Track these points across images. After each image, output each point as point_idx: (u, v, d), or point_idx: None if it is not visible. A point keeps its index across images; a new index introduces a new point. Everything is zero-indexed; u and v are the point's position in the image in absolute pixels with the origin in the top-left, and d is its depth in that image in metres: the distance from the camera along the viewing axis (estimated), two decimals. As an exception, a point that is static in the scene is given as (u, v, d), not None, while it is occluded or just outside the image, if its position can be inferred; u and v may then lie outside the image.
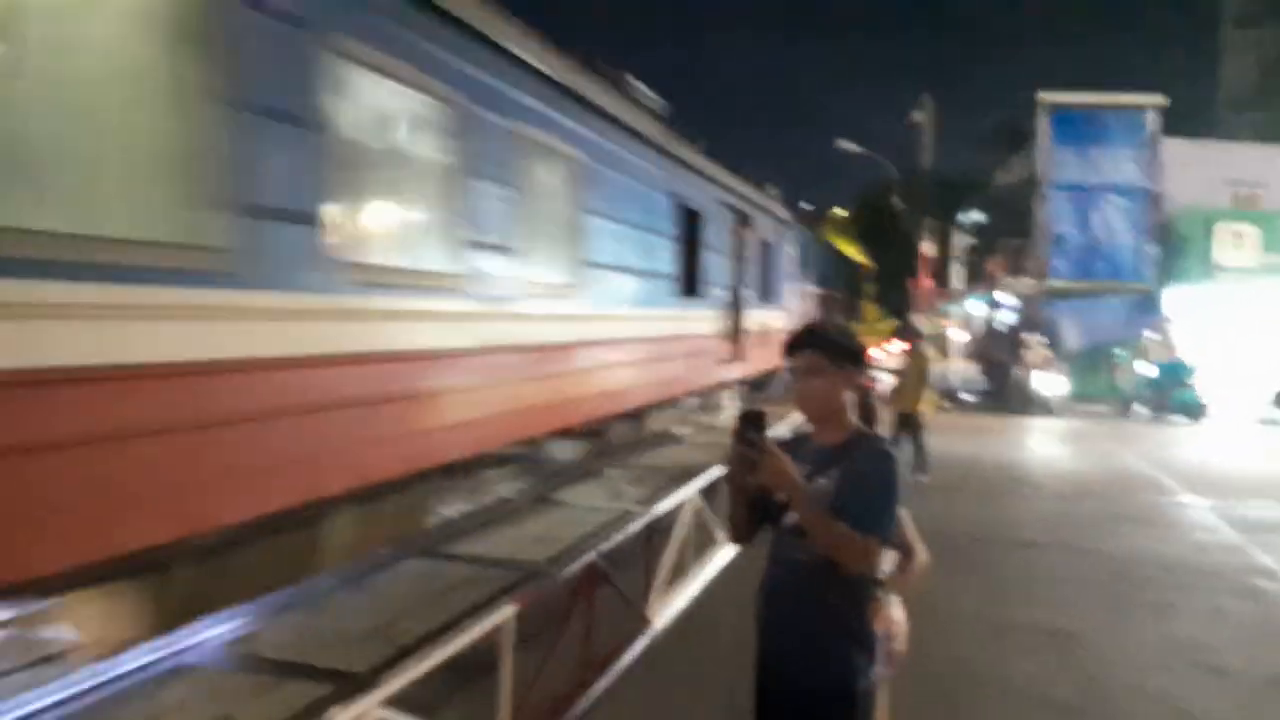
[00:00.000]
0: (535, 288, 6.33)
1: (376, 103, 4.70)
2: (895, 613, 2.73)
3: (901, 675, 2.78)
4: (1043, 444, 15.00)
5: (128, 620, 3.61)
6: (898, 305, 37.18)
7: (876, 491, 2.38)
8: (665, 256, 9.50)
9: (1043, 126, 22.77)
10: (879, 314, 31.47)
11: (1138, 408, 19.25)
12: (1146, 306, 21.62)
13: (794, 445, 2.54)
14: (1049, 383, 19.58)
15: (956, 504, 9.66)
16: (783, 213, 16.58)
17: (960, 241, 24.72)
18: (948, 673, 4.93)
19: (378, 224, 4.81)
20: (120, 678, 4.82)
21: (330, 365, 4.14)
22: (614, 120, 7.88)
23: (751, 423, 2.33)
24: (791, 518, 2.42)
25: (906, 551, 2.76)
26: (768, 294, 15.00)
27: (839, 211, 33.59)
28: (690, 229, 10.45)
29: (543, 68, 6.30)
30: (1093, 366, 21.71)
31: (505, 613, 3.62)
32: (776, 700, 2.54)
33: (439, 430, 5.07)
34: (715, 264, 11.53)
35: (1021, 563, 7.47)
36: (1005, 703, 4.74)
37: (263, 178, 3.78)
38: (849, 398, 2.54)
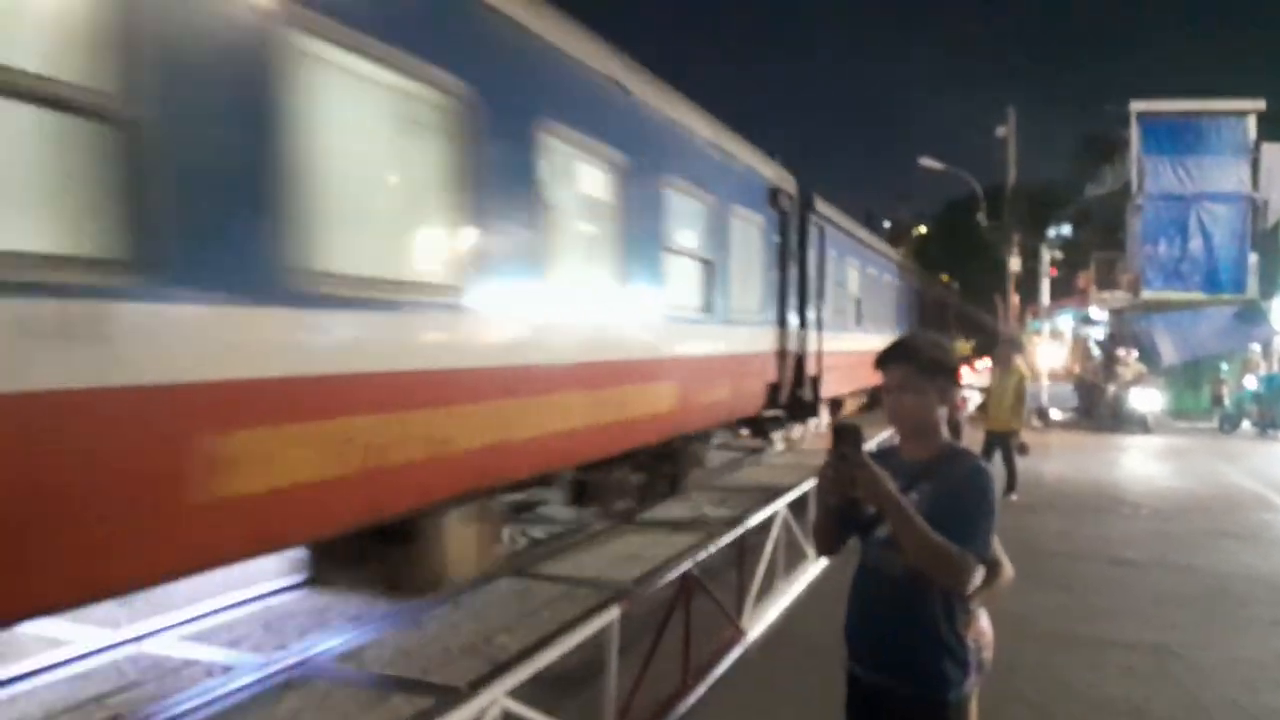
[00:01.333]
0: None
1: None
2: (984, 624, 2.78)
3: (997, 691, 2.85)
4: (1139, 461, 14.52)
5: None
6: (982, 322, 36.44)
7: (973, 507, 2.35)
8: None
9: (1135, 136, 22.19)
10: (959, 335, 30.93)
11: (1245, 423, 18.45)
12: (1251, 318, 20.74)
13: (881, 459, 2.48)
14: (1144, 399, 18.93)
15: (1050, 522, 9.46)
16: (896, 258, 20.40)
17: (1048, 256, 24.10)
18: (1044, 689, 4.89)
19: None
20: (236, 691, 5.13)
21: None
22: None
23: (847, 436, 2.33)
24: (883, 531, 2.42)
25: (992, 566, 2.79)
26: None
27: (920, 229, 33.11)
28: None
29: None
30: (1192, 382, 20.92)
31: (611, 615, 3.76)
32: (869, 713, 2.56)
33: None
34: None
35: (1119, 580, 7.29)
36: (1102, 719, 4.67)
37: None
38: (941, 413, 2.50)
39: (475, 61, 4.79)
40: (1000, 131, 23.69)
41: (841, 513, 2.52)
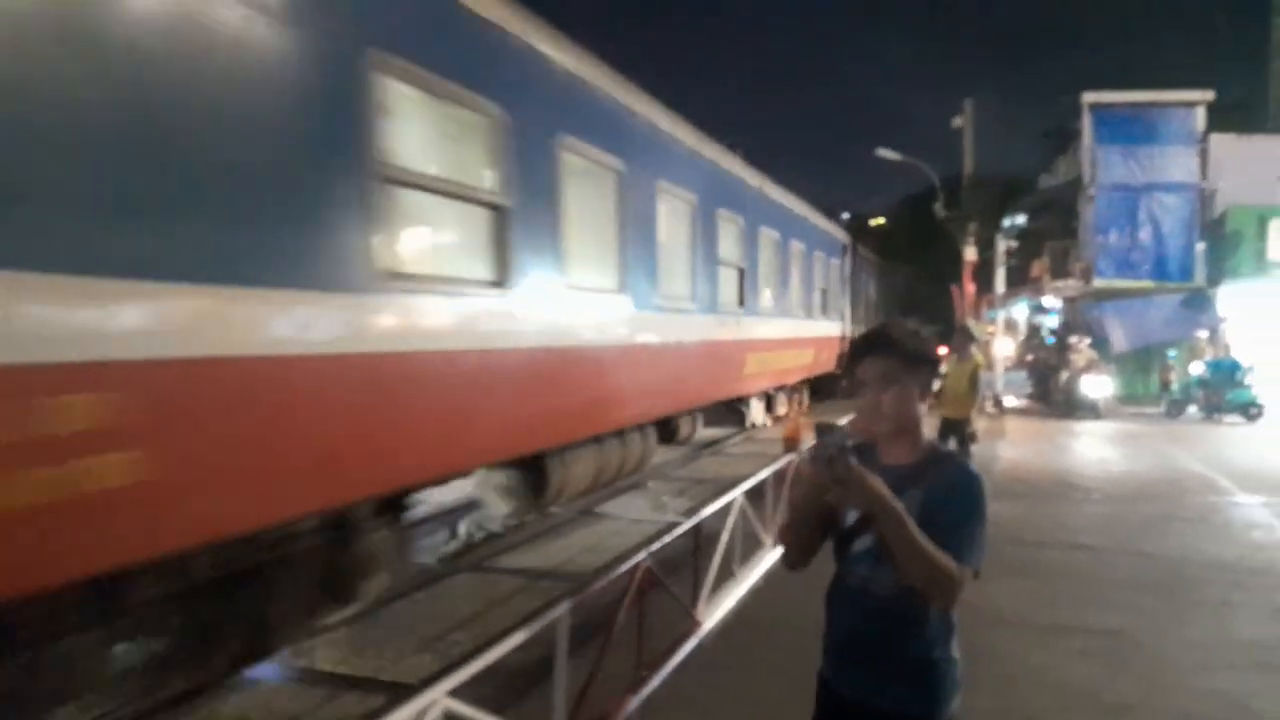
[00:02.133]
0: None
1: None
2: None
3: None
4: (1092, 447, 14.75)
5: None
6: (941, 312, 36.86)
7: (967, 515, 2.15)
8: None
9: (1087, 127, 22.50)
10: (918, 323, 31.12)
11: (1191, 408, 18.84)
12: (1197, 305, 21.19)
13: (859, 462, 2.22)
14: (1096, 385, 19.25)
15: (1007, 509, 9.55)
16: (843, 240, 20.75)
17: (1004, 246, 24.41)
18: (1004, 674, 4.90)
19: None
20: (179, 693, 4.96)
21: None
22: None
23: (832, 437, 2.09)
24: (865, 544, 2.25)
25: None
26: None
27: (877, 221, 33.36)
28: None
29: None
30: (1142, 368, 21.34)
31: (560, 609, 3.69)
32: None
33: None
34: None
35: (1076, 566, 7.36)
36: (1062, 702, 4.69)
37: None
38: (922, 409, 2.29)
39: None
40: (957, 122, 23.89)
41: (818, 521, 2.31)
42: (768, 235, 12.26)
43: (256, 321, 3.60)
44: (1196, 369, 19.20)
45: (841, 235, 18.67)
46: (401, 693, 3.25)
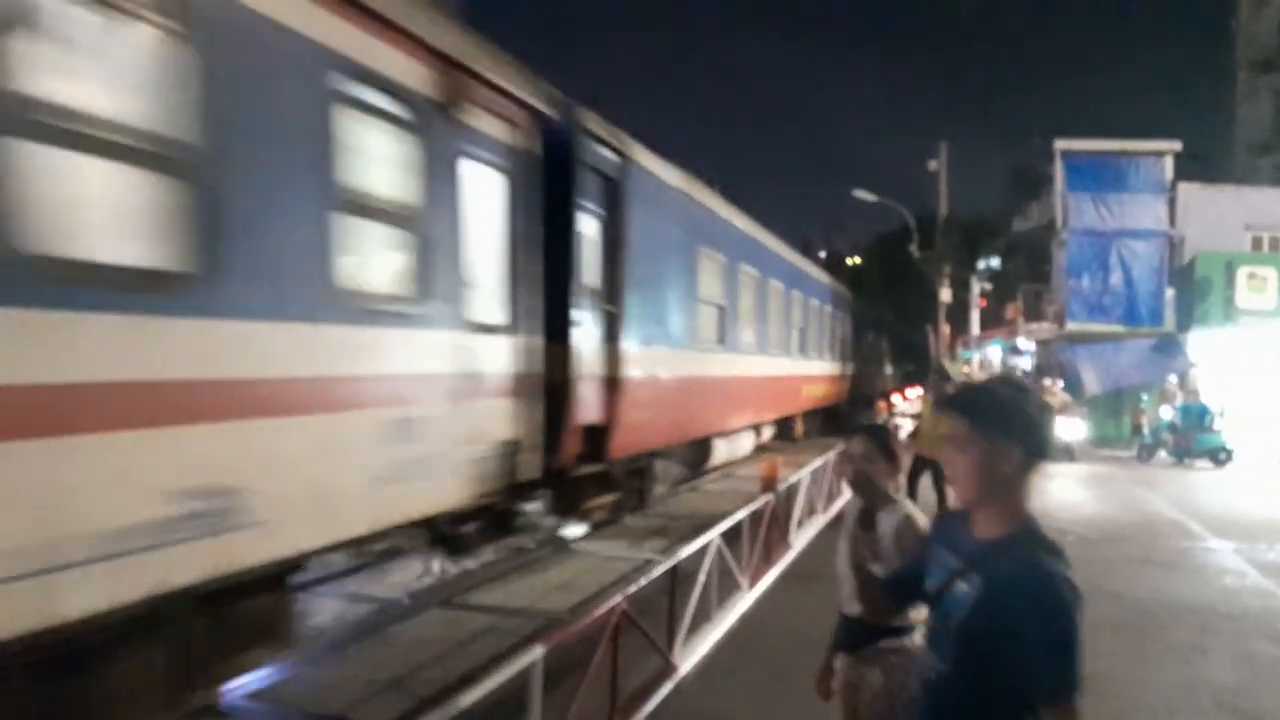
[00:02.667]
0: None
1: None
2: None
3: None
4: (1065, 489, 14.85)
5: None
6: (914, 351, 37.18)
7: (1030, 629, 1.78)
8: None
9: (1059, 173, 22.95)
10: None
11: (1161, 452, 19.05)
12: (1168, 350, 21.48)
13: (948, 526, 2.07)
14: (1069, 428, 19.42)
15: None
16: (838, 289, 22.25)
17: (978, 287, 24.75)
18: None
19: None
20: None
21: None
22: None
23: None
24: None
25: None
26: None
27: (855, 260, 33.69)
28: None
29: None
30: (1114, 411, 21.57)
31: (534, 654, 3.63)
32: None
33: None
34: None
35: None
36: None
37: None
38: (1014, 478, 1.94)
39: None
40: (932, 165, 24.29)
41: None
42: (801, 298, 16.23)
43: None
44: (1167, 413, 19.45)
45: (840, 289, 21.38)
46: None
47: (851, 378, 26.52)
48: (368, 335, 4.54)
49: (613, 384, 7.70)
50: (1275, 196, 24.48)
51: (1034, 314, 25.15)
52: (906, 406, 19.73)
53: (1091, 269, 22.44)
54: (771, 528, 8.08)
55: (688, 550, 5.86)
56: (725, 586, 6.79)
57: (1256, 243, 23.13)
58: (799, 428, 17.13)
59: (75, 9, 3.09)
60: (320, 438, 4.19)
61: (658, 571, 5.34)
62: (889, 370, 39.06)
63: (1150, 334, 21.94)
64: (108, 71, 3.27)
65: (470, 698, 3.29)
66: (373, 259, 4.90)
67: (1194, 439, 18.50)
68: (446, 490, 5.49)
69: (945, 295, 23.93)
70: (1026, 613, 1.79)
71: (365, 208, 4.57)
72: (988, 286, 26.63)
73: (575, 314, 6.83)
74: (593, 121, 7.05)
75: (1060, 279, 23.05)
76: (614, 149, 7.49)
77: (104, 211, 3.35)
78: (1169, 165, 22.59)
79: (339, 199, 4.30)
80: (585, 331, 7.05)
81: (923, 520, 3.06)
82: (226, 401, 3.63)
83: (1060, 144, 22.95)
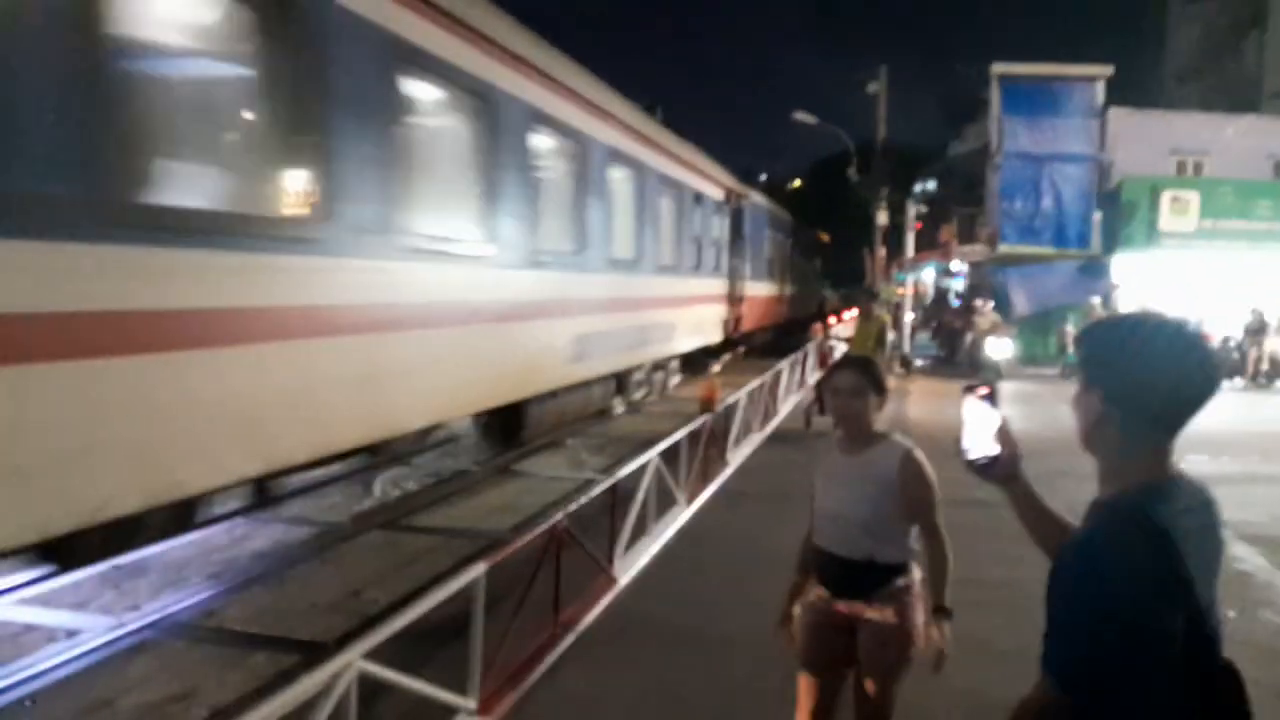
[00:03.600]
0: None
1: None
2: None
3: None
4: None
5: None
6: (853, 274, 37.73)
7: (1058, 603, 1.62)
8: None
9: (995, 97, 23.11)
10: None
11: (1084, 371, 19.76)
12: (1094, 272, 22.12)
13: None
14: (998, 347, 20.01)
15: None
16: (778, 212, 24.89)
17: (914, 211, 25.06)
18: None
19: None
20: (84, 655, 4.83)
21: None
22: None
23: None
24: None
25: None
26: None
27: (795, 184, 33.76)
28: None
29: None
30: (1041, 331, 22.22)
31: (476, 571, 3.70)
32: None
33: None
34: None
35: (973, 521, 7.68)
36: (960, 650, 4.92)
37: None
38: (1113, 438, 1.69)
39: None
40: (872, 88, 24.25)
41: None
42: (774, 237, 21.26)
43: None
44: (1090, 333, 20.13)
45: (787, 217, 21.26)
46: (316, 654, 3.23)
47: (792, 300, 27.14)
48: (702, 281, 15.11)
49: (741, 299, 18.17)
50: (1200, 121, 25.04)
51: (968, 236, 25.59)
52: (841, 329, 20.11)
53: (1024, 192, 22.80)
54: (710, 446, 8.25)
55: (627, 469, 5.96)
56: (664, 503, 6.95)
57: (1181, 167, 23.72)
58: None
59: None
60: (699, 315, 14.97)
61: (598, 490, 5.43)
62: (827, 293, 39.72)
63: (1077, 256, 22.52)
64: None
65: (412, 615, 3.34)
66: (707, 253, 15.41)
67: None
68: (712, 337, 16.11)
69: (882, 219, 24.16)
70: (1058, 573, 1.63)
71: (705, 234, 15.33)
72: (924, 210, 26.95)
73: (736, 267, 17.61)
74: (741, 188, 18.62)
75: (994, 202, 23.41)
76: (743, 196, 18.66)
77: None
78: (1100, 90, 22.88)
79: (708, 234, 15.58)
80: (736, 275, 17.74)
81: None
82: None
83: (997, 68, 23.04)
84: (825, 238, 37.18)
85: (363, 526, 7.40)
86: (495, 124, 7.09)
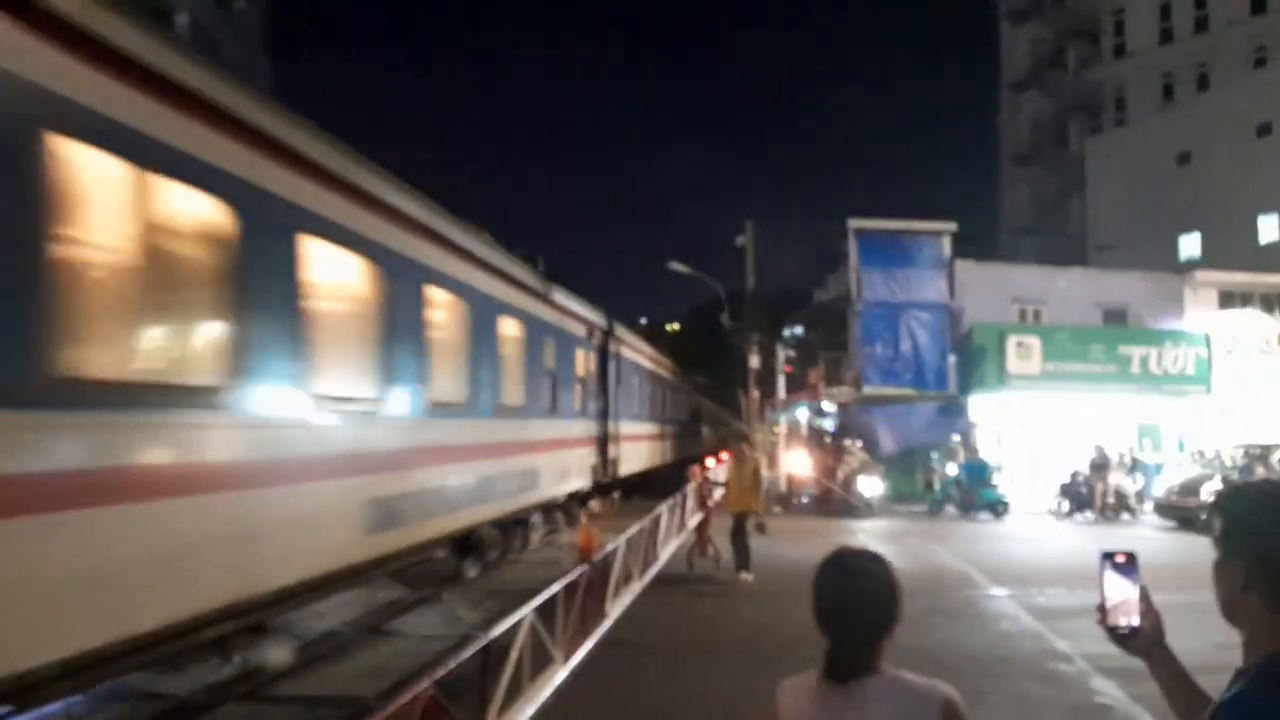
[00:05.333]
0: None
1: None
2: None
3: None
4: (864, 544, 15.76)
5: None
6: (731, 414, 38.64)
7: None
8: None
9: (852, 249, 24.77)
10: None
11: (949, 507, 20.61)
12: (952, 411, 23.46)
13: None
14: (869, 485, 20.73)
15: (785, 605, 10.00)
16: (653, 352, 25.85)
17: (784, 354, 26.18)
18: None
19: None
20: None
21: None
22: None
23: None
24: None
25: None
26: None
27: (672, 326, 34.80)
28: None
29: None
30: (908, 468, 23.18)
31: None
32: None
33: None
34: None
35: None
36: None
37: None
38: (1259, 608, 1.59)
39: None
40: (740, 240, 25.63)
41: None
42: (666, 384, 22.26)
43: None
44: (953, 470, 21.13)
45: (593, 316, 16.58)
46: None
47: (673, 440, 27.64)
48: (562, 423, 14.12)
49: (615, 438, 18.07)
50: (1036, 273, 27.44)
51: (835, 378, 26.78)
52: (718, 471, 20.46)
53: (884, 337, 24.21)
54: (588, 597, 8.12)
55: (499, 629, 5.76)
56: (541, 660, 6.76)
57: (1023, 315, 25.76)
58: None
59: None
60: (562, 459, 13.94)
61: (467, 654, 5.23)
62: (705, 433, 40.46)
63: (936, 397, 23.87)
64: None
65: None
66: (567, 394, 14.38)
67: (977, 493, 20.17)
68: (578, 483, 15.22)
69: (754, 361, 25.12)
70: None
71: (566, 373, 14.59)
72: (792, 353, 28.18)
73: (609, 406, 17.60)
74: (610, 325, 17.98)
75: (856, 346, 24.72)
76: (612, 334, 18.18)
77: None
78: (947, 244, 24.88)
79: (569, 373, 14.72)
80: (607, 416, 17.53)
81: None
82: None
83: (853, 223, 24.81)
84: (701, 380, 38.21)
85: (219, 698, 6.89)
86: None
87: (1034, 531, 17.72)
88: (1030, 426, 22.81)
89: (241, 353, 5.64)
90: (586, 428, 16.01)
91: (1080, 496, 20.13)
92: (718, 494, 15.20)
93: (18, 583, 3.93)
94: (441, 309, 9.27)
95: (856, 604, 2.17)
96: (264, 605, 5.87)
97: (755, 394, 25.86)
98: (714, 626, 9.32)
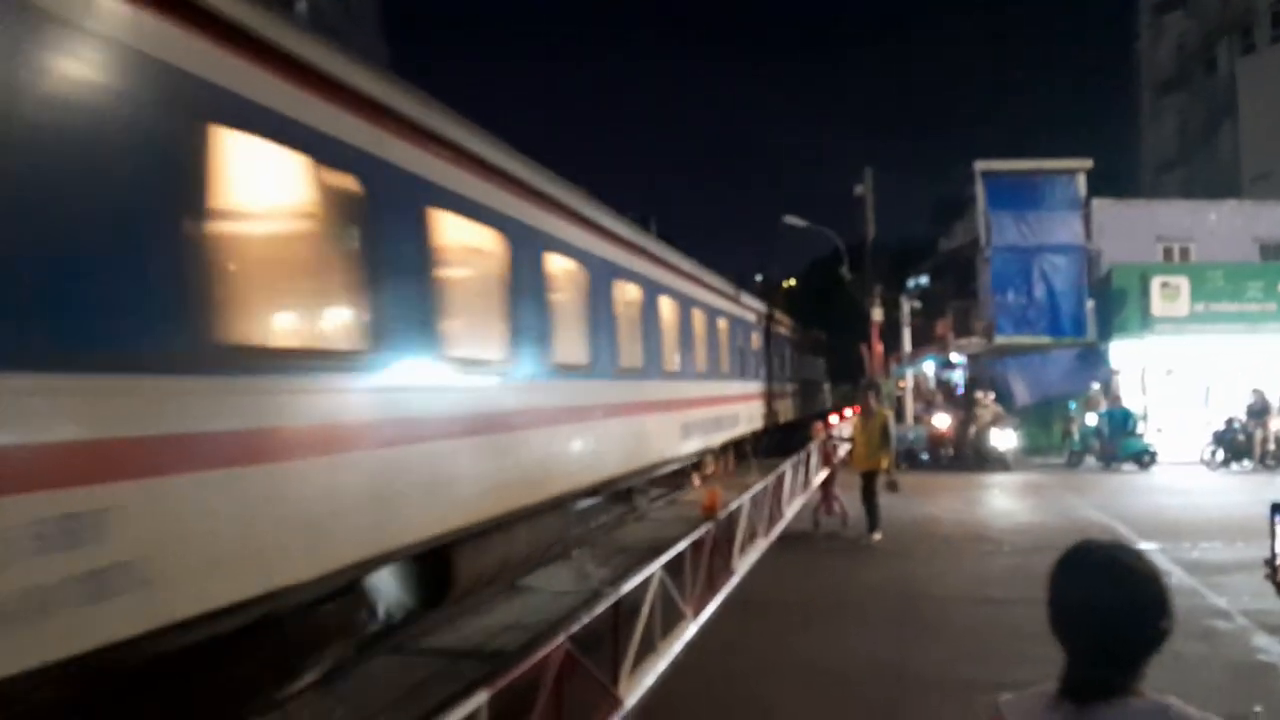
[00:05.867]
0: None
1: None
2: None
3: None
4: (1000, 499, 15.28)
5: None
6: (849, 372, 37.94)
7: None
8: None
9: (980, 193, 23.73)
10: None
11: (1089, 458, 19.70)
12: (1091, 359, 22.27)
13: None
14: (1002, 438, 19.99)
15: (917, 563, 9.83)
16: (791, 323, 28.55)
17: (909, 306, 25.43)
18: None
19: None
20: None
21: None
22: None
23: None
24: None
25: None
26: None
27: (789, 283, 34.30)
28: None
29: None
30: (1044, 420, 22.23)
31: (478, 700, 3.65)
32: None
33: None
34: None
35: (983, 619, 7.61)
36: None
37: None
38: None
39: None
40: (858, 190, 24.94)
41: None
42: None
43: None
44: (1092, 420, 20.14)
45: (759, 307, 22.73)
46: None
47: (803, 397, 28.03)
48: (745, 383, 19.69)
49: (773, 394, 23.16)
50: (1184, 209, 25.64)
51: (964, 329, 25.87)
52: (843, 428, 20.10)
53: (1015, 284, 23.17)
54: (714, 555, 8.17)
55: (628, 585, 5.86)
56: (671, 617, 6.85)
57: (1167, 254, 24.17)
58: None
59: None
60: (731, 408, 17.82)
61: (600, 609, 5.36)
62: (827, 390, 39.88)
63: (1074, 344, 22.72)
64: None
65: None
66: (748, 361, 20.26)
67: (1119, 444, 19.20)
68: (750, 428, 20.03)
69: (877, 315, 24.49)
70: None
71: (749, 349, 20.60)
72: (918, 305, 27.32)
73: (769, 370, 22.92)
74: (768, 308, 23.94)
75: (986, 294, 23.77)
76: (770, 314, 23.67)
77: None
78: (1081, 182, 23.52)
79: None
80: (770, 376, 22.91)
81: None
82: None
83: (980, 165, 23.75)
84: (823, 336, 37.61)
85: (371, 652, 7.30)
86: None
87: (1184, 482, 16.73)
88: (1177, 372, 21.44)
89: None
90: (757, 387, 21.38)
91: (1237, 445, 18.84)
92: (842, 450, 14.98)
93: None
94: (682, 314, 13.84)
95: (1117, 612, 1.76)
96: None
97: (879, 348, 25.25)
98: (840, 586, 9.21)
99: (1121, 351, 21.83)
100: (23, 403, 3.34)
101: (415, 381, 5.99)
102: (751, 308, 21.34)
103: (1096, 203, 23.59)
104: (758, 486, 10.88)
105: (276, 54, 4.85)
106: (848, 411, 27.05)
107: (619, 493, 11.97)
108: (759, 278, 68.25)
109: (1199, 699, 5.77)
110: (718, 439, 16.44)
